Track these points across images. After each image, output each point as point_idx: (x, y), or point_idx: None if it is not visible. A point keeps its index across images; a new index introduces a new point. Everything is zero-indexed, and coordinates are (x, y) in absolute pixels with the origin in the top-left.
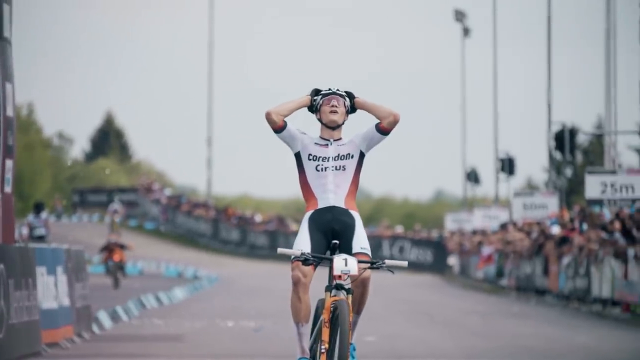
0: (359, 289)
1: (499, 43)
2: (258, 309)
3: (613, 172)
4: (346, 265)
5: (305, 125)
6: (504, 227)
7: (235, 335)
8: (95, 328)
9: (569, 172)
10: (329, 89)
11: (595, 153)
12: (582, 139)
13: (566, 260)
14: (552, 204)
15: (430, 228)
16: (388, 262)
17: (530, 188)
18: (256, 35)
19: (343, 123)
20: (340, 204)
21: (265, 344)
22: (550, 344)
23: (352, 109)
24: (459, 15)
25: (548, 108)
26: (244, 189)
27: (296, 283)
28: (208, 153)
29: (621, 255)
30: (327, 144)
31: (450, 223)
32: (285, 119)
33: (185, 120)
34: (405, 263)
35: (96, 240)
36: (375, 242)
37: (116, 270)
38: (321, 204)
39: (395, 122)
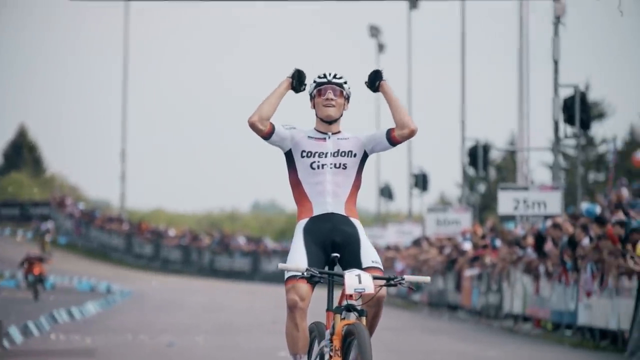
0: (373, 310)
1: (413, 59)
2: (171, 323)
3: (525, 189)
4: (360, 282)
5: (302, 121)
6: (417, 242)
7: (148, 350)
8: (5, 343)
9: (482, 188)
10: (324, 76)
11: (508, 169)
12: (495, 155)
13: (470, 271)
14: (465, 219)
15: None
16: (408, 277)
17: (444, 204)
18: (171, 49)
19: (342, 115)
20: (340, 210)
21: (179, 359)
22: (462, 359)
23: (374, 87)
24: (374, 31)
25: (462, 124)
26: (157, 203)
27: (293, 308)
28: (122, 167)
29: (533, 271)
30: (325, 138)
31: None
32: (272, 121)
33: (99, 134)
34: (428, 278)
35: (9, 254)
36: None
37: (36, 283)
38: (317, 210)
39: (409, 136)
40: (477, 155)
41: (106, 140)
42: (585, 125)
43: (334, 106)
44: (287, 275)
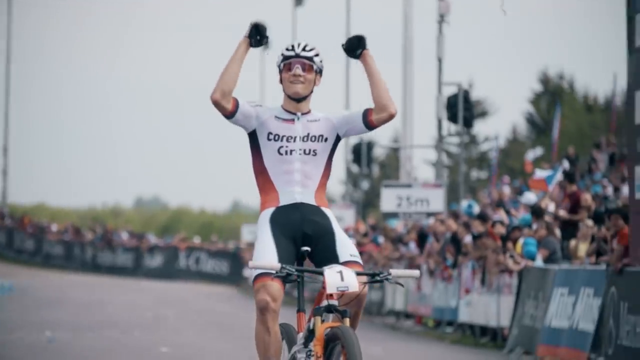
0: (353, 309)
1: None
2: (52, 319)
3: (409, 186)
4: (342, 279)
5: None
6: None
7: (28, 346)
8: None
9: (365, 185)
10: (292, 48)
11: (391, 166)
12: (379, 152)
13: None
14: (348, 216)
15: (227, 239)
16: (394, 272)
17: (327, 201)
18: (52, 43)
19: (312, 92)
20: (310, 199)
21: (59, 355)
22: None
23: (354, 54)
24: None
25: None
26: (40, 198)
27: (264, 310)
28: (3, 162)
29: (415, 268)
30: (293, 119)
31: (247, 234)
32: (236, 97)
33: None
34: (416, 272)
35: None
36: (171, 253)
37: None
38: (284, 200)
39: (388, 120)
40: (360, 153)
41: None
42: (468, 123)
43: (302, 82)
44: (255, 272)
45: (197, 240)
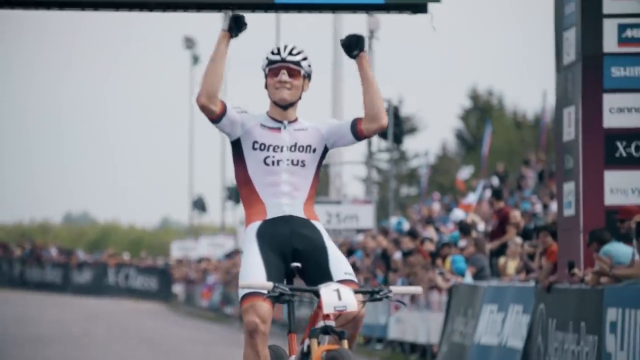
0: (349, 331)
1: (228, 71)
2: None
3: (338, 202)
4: (340, 298)
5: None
6: (230, 255)
7: None
8: None
9: None
10: (277, 51)
11: (321, 183)
12: None
13: None
14: None
15: (156, 255)
16: (395, 289)
17: None
18: None
19: (300, 98)
20: (299, 212)
21: None
22: None
23: (351, 53)
24: (189, 43)
25: None
26: None
27: (253, 332)
28: None
29: None
30: (280, 128)
31: (176, 251)
32: (224, 100)
33: None
34: (419, 289)
35: None
36: (100, 269)
37: None
38: (272, 213)
39: (377, 131)
40: None
41: None
42: (397, 140)
43: (288, 89)
44: (243, 292)
45: (126, 256)
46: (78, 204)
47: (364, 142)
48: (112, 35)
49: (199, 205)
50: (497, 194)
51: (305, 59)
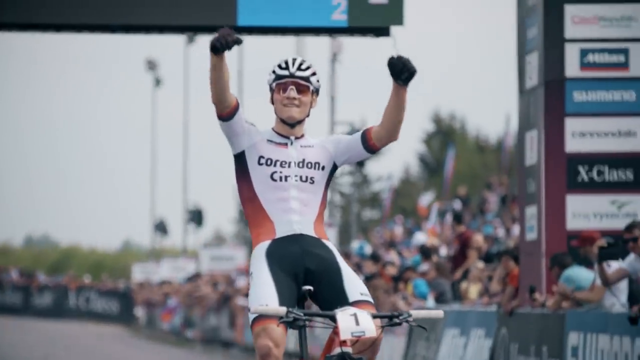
0: (367, 357)
1: (190, 93)
2: None
3: None
4: (357, 323)
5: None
6: (191, 278)
7: None
8: None
9: None
10: (285, 66)
11: None
12: None
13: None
14: (239, 256)
15: (118, 278)
16: (415, 312)
17: (219, 240)
18: None
19: (308, 115)
20: (309, 230)
21: None
22: None
23: (399, 79)
24: (151, 65)
25: None
26: None
27: (266, 356)
28: None
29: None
30: (287, 144)
31: (138, 274)
32: (238, 100)
33: None
34: (440, 313)
35: None
36: (61, 292)
37: None
38: (281, 231)
39: (388, 144)
40: None
41: None
42: (360, 163)
43: (297, 106)
44: (254, 314)
45: (87, 279)
46: (39, 227)
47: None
48: (73, 57)
49: (161, 228)
50: (458, 218)
51: (314, 74)
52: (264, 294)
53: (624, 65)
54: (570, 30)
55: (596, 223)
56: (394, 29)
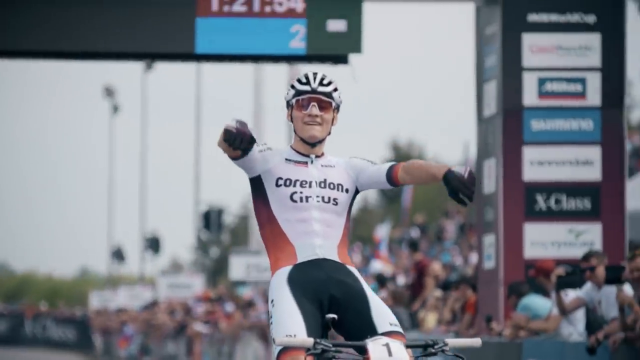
0: None
1: (148, 120)
2: None
3: (258, 253)
4: (390, 354)
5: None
6: (148, 306)
7: None
8: None
9: (215, 251)
10: (306, 81)
11: (242, 233)
12: (229, 220)
13: (201, 327)
14: (197, 284)
15: (75, 306)
16: (452, 341)
17: (176, 267)
18: None
19: (329, 133)
20: (332, 255)
21: None
22: None
23: (454, 195)
24: (109, 92)
25: (196, 187)
26: None
27: None
28: None
29: (265, 336)
30: (307, 162)
31: (95, 301)
32: None
33: None
34: (478, 341)
35: None
36: (17, 319)
37: None
38: (303, 255)
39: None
40: (210, 219)
41: None
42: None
43: (319, 124)
44: (279, 346)
45: (44, 306)
46: None
47: None
48: (31, 84)
49: (118, 255)
50: (414, 246)
51: (336, 89)
52: (290, 323)
53: (582, 94)
54: (528, 59)
55: (554, 252)
56: (352, 57)
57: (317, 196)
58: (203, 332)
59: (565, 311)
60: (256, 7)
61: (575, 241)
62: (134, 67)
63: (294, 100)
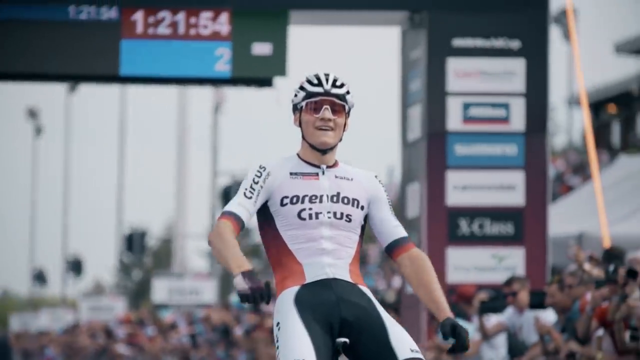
0: None
1: (72, 142)
2: None
3: (180, 276)
4: None
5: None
6: (70, 329)
7: None
8: None
9: (138, 274)
10: (317, 82)
11: (164, 256)
12: (152, 242)
13: (124, 349)
14: (119, 307)
15: None
16: None
17: (98, 290)
18: None
19: (341, 140)
20: (344, 275)
21: None
22: None
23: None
24: (32, 114)
25: (118, 209)
26: None
27: None
28: None
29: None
30: (317, 173)
31: (16, 323)
32: (238, 218)
33: None
34: None
35: None
36: None
37: None
38: (311, 275)
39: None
40: (133, 241)
41: None
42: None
43: (332, 129)
44: None
45: None
46: None
47: (208, 215)
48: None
49: (40, 277)
50: None
51: (349, 92)
52: (298, 347)
53: (505, 119)
54: (452, 84)
55: (476, 276)
56: (277, 80)
57: (329, 212)
58: (125, 354)
59: (487, 335)
60: (181, 29)
61: (498, 266)
62: (57, 89)
63: (303, 103)
